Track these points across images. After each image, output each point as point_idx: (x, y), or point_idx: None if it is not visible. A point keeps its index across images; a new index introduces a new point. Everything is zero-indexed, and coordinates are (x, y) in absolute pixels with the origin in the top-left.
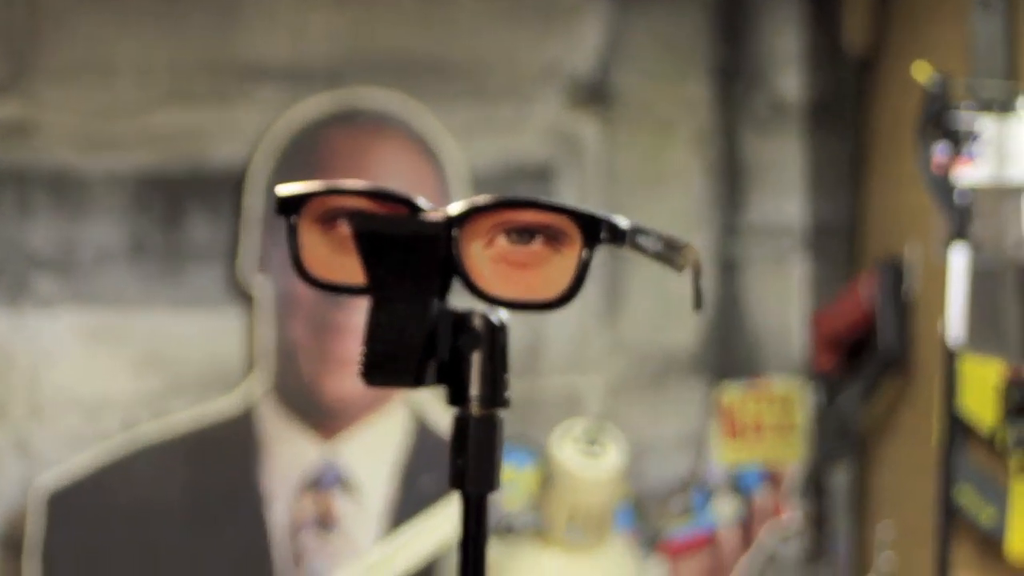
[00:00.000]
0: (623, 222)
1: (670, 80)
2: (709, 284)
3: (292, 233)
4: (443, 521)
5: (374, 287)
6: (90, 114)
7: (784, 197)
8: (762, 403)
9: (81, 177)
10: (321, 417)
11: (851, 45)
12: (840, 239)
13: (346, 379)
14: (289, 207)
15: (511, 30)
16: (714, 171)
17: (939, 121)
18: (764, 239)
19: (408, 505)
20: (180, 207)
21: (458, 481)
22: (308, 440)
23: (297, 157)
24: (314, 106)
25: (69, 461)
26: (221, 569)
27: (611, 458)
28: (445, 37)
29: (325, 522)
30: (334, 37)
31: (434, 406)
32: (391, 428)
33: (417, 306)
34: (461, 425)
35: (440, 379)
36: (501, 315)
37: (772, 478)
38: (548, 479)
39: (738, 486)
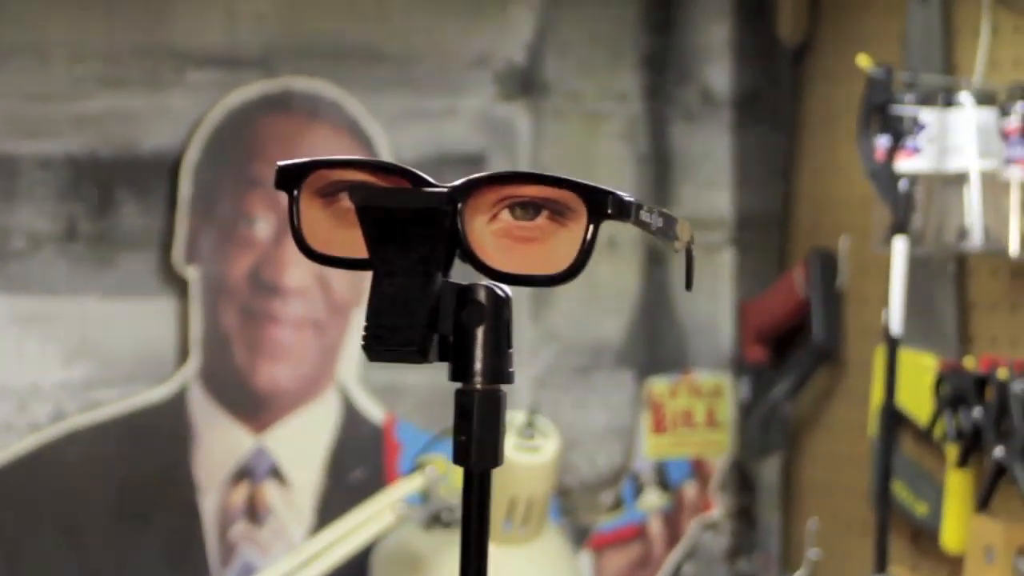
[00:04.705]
0: (628, 196)
1: (600, 71)
2: (637, 277)
3: (293, 207)
4: (376, 514)
5: (376, 261)
6: (21, 98)
7: (714, 189)
8: (690, 396)
9: (12, 162)
10: (253, 407)
11: (784, 36)
12: (771, 232)
13: (278, 369)
14: (290, 180)
15: (442, 19)
16: (644, 162)
17: (882, 112)
18: (694, 231)
19: (340, 497)
20: (112, 193)
21: (461, 457)
22: (240, 429)
23: (229, 144)
24: (247, 93)
25: None
26: (151, 559)
27: (550, 450)
28: (376, 25)
29: (257, 513)
30: (265, 24)
31: (364, 395)
32: (323, 418)
33: (420, 279)
34: (464, 400)
35: (442, 354)
36: (505, 289)
37: (700, 472)
38: None
39: (666, 480)
